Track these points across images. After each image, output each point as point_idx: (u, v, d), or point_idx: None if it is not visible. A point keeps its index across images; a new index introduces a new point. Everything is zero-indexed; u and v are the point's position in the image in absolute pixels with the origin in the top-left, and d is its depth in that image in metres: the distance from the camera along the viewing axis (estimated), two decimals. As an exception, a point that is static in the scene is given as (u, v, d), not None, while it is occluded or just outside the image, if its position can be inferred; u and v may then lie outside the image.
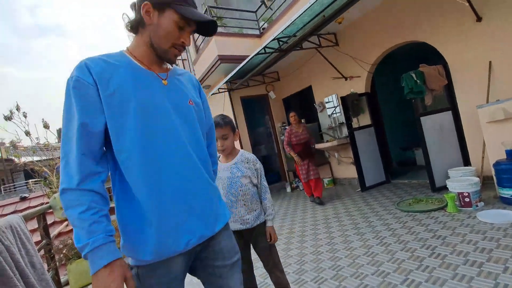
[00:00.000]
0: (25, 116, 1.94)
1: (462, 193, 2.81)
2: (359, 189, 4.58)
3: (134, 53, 0.92)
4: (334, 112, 5.31)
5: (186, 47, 0.96)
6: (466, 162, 3.58)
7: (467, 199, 2.79)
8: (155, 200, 0.85)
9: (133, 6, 0.91)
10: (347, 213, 3.58)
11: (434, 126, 3.56)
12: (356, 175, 4.68)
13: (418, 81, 3.40)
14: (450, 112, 3.61)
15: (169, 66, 1.01)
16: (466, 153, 3.57)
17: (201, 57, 6.42)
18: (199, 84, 1.13)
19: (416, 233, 2.51)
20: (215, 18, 6.01)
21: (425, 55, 5.31)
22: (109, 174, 0.90)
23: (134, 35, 0.94)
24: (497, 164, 2.73)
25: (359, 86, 4.70)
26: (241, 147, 5.99)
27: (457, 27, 3.33)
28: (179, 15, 0.88)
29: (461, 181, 2.94)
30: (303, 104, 6.78)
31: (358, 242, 2.60)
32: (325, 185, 5.62)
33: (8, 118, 1.86)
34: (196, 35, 6.10)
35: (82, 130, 0.78)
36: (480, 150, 3.26)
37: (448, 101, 3.70)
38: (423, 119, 3.52)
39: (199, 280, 1.03)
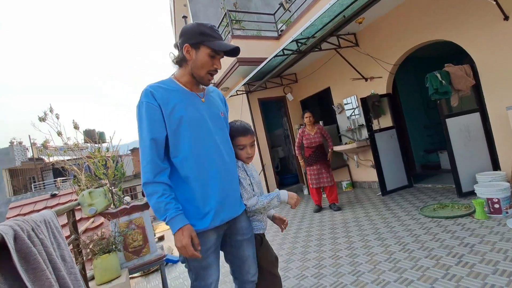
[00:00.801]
0: (57, 118, 2.07)
1: (491, 199, 2.67)
2: (380, 193, 4.45)
3: (180, 80, 1.24)
4: (353, 113, 5.21)
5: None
6: (495, 166, 3.39)
7: (496, 206, 2.64)
8: (205, 186, 1.17)
9: (176, 46, 1.24)
10: (367, 217, 3.50)
11: (461, 128, 3.40)
12: (376, 179, 4.56)
13: (443, 81, 3.27)
14: (478, 113, 3.44)
15: (204, 86, 1.32)
16: (495, 157, 3.38)
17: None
18: (224, 98, 1.45)
19: (441, 240, 2.41)
20: (234, 21, 6.08)
21: (449, 55, 5.11)
22: None
23: (178, 67, 1.26)
24: (530, 169, 2.58)
25: (380, 87, 4.58)
26: (259, 149, 6.01)
27: (484, 26, 3.17)
28: (211, 49, 1.18)
29: (490, 186, 2.79)
30: (321, 105, 6.70)
31: (379, 248, 2.53)
32: (344, 188, 5.51)
33: (42, 119, 2.00)
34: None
35: (152, 142, 1.12)
36: (511, 154, 3.09)
37: (476, 102, 3.53)
38: (448, 120, 3.38)
39: None
